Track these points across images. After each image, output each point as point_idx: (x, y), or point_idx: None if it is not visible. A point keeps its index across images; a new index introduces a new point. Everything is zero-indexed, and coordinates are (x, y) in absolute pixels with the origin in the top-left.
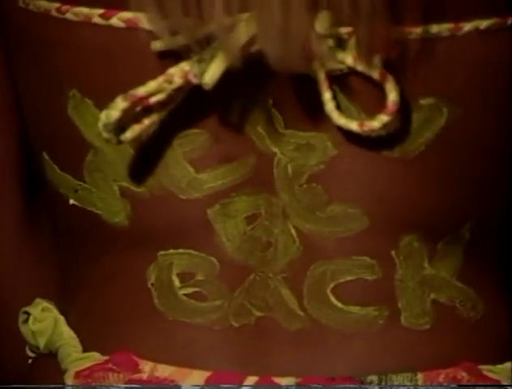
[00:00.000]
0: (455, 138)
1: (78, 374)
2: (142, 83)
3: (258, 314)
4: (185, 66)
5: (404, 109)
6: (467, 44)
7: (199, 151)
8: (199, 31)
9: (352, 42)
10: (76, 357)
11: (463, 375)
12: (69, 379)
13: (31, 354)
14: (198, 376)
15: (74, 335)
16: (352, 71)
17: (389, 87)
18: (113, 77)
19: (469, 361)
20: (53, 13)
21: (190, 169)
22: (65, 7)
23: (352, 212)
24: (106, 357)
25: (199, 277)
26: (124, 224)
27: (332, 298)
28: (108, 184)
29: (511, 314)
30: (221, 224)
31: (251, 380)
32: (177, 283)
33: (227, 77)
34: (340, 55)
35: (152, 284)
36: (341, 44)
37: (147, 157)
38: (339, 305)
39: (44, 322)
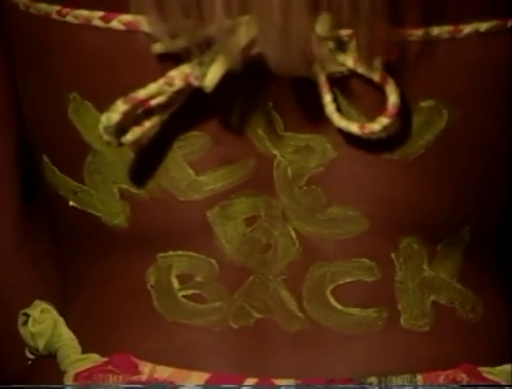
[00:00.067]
0: (455, 141)
1: (77, 376)
2: (142, 85)
3: (258, 315)
4: (185, 68)
5: (404, 112)
6: (467, 47)
7: (199, 153)
8: (199, 33)
9: (352, 44)
10: (75, 359)
11: (463, 377)
12: (68, 381)
13: (30, 356)
14: (198, 378)
15: (74, 337)
16: (352, 74)
17: (389, 89)
18: (113, 80)
19: (468, 362)
20: (54, 16)
21: (190, 171)
22: (65, 10)
23: (351, 214)
24: (105, 359)
25: (199, 279)
26: (123, 226)
27: (332, 300)
28: (107, 186)
29: (511, 316)
30: (221, 226)
31: (251, 382)
32: (176, 285)
33: (227, 79)
34: (341, 57)
35: (152, 286)
36: (341, 46)
37: (146, 159)
38: (339, 306)
39: (44, 323)
